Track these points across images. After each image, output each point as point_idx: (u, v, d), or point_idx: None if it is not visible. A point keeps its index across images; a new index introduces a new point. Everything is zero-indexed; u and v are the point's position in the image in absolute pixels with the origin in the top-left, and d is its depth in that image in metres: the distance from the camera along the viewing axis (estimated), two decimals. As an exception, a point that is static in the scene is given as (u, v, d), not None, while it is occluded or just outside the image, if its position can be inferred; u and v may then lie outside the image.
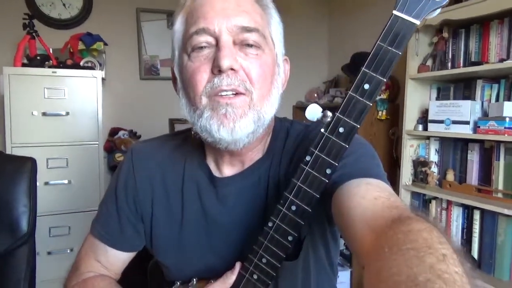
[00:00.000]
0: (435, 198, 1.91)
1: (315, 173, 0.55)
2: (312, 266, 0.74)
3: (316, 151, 0.54)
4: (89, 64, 2.15)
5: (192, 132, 0.65)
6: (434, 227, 0.42)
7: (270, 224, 0.58)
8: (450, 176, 1.84)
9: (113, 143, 2.42)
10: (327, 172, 0.54)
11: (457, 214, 1.80)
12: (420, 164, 1.97)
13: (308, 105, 0.56)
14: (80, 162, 1.92)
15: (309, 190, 0.55)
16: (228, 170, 0.72)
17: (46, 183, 1.85)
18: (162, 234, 0.75)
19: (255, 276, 0.62)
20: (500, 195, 1.63)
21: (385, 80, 0.50)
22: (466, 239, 1.75)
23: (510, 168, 1.60)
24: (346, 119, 0.52)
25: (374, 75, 0.50)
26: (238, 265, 0.65)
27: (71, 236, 1.89)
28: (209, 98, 0.62)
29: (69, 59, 2.06)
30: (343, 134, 0.53)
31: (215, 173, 0.73)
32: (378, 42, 0.50)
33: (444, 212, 1.86)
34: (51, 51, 2.00)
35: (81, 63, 2.11)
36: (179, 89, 0.68)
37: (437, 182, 1.91)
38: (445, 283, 0.33)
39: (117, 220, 0.76)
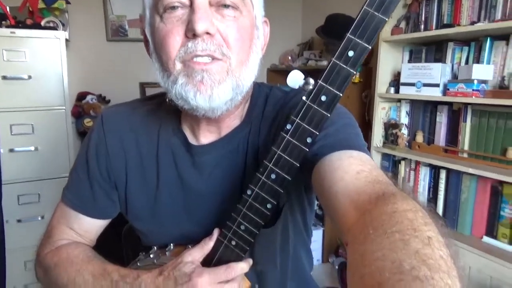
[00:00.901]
0: (404, 159, 1.98)
1: (295, 142, 0.54)
2: (290, 231, 0.75)
3: (297, 120, 0.53)
4: (51, 24, 2.01)
5: (167, 99, 0.62)
6: (418, 206, 0.42)
7: (249, 192, 0.58)
8: (419, 138, 1.90)
9: (81, 108, 2.33)
10: (307, 141, 0.54)
11: (424, 174, 1.87)
12: (391, 127, 2.01)
13: (286, 70, 0.54)
14: (47, 128, 1.84)
15: (289, 159, 0.55)
16: (205, 138, 0.70)
17: (11, 150, 1.77)
18: (137, 201, 0.74)
19: (233, 243, 0.62)
20: (465, 155, 1.71)
21: (370, 47, 0.49)
22: (432, 197, 1.84)
23: (475, 129, 1.66)
24: (329, 87, 0.51)
25: (359, 41, 0.48)
26: (216, 232, 0.65)
27: (41, 203, 1.85)
28: (183, 64, 0.59)
29: (28, 19, 1.92)
30: (325, 103, 0.52)
31: (191, 140, 0.71)
32: (364, 7, 0.47)
33: (412, 173, 1.93)
34: (8, 10, 1.85)
35: (42, 23, 1.97)
36: (152, 52, 0.64)
37: (407, 144, 1.97)
38: (429, 269, 0.32)
39: (89, 188, 0.73)
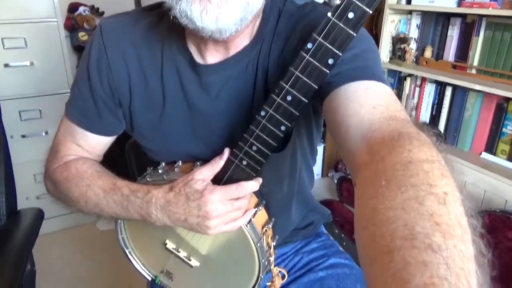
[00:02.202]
0: (410, 75, 1.93)
1: (315, 63, 0.50)
2: (298, 156, 0.75)
3: (319, 38, 0.48)
4: None
5: (170, 16, 0.57)
6: (435, 152, 0.39)
7: (262, 113, 0.56)
8: (428, 53, 1.83)
9: (74, 20, 2.21)
10: (329, 62, 0.50)
11: (429, 91, 1.84)
12: (399, 41, 1.93)
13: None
14: (40, 41, 1.77)
15: (307, 81, 0.51)
16: (212, 57, 0.66)
17: (6, 65, 1.73)
18: (142, 119, 0.72)
19: (244, 162, 0.61)
20: (473, 71, 1.66)
21: None
22: (434, 115, 1.83)
23: (487, 43, 1.59)
24: (358, 2, 0.46)
25: None
26: (227, 151, 0.64)
27: (44, 119, 1.85)
28: None
29: None
30: (352, 21, 0.47)
31: (198, 59, 0.66)
32: None
33: (417, 89, 1.90)
34: None
35: None
36: None
37: (414, 59, 1.91)
38: (443, 236, 0.31)
39: (93, 104, 0.71)
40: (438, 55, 1.81)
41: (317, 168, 2.62)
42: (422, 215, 0.32)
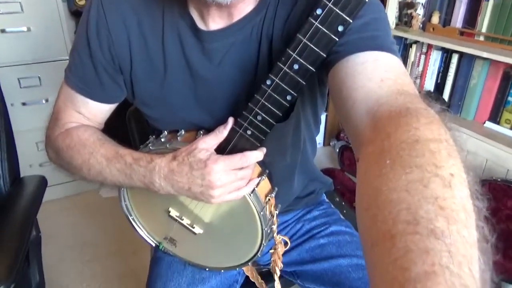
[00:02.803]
0: (416, 42, 1.88)
1: (325, 30, 0.48)
2: (302, 125, 0.75)
3: (329, 4, 0.46)
4: None
5: None
6: (442, 130, 0.38)
7: (268, 82, 0.55)
8: (435, 19, 1.78)
9: (70, -16, 2.15)
10: (338, 29, 0.48)
11: (435, 59, 1.80)
12: (406, 6, 1.87)
13: None
14: (37, 6, 1.72)
15: (315, 49, 0.50)
16: (214, 23, 0.63)
17: (3, 31, 1.69)
18: (144, 87, 0.71)
19: (248, 132, 0.61)
20: (482, 38, 1.61)
21: None
22: (439, 83, 1.80)
23: (498, 8, 1.53)
24: None
25: None
26: (231, 121, 0.63)
27: (43, 87, 1.83)
28: None
29: None
30: None
31: (200, 25, 0.64)
32: None
33: (423, 57, 1.86)
34: None
35: None
36: None
37: (421, 26, 1.85)
38: (447, 221, 0.30)
39: (93, 71, 0.69)
40: (446, 21, 1.76)
41: (319, 137, 2.62)
42: (426, 199, 0.32)
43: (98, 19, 0.66)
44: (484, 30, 1.60)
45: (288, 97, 0.55)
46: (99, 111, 0.75)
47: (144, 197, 0.77)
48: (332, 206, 0.99)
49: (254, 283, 0.87)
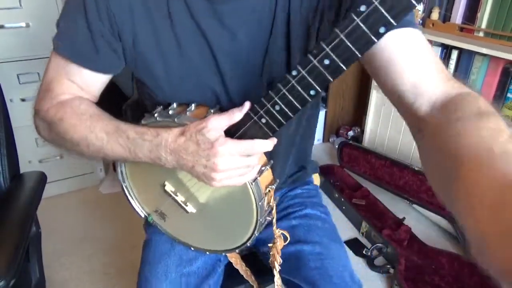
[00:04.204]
0: (416, 38, 1.87)
1: (365, 29, 0.44)
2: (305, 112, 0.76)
3: (376, 3, 0.43)
4: None
5: None
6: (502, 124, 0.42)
7: (294, 73, 0.51)
8: (435, 15, 1.78)
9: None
10: (380, 31, 0.44)
11: (435, 55, 1.80)
12: (406, 2, 1.86)
13: None
14: (35, 2, 1.71)
15: (351, 47, 0.46)
16: None
17: (1, 27, 1.68)
18: (149, 56, 0.67)
19: (263, 120, 0.57)
20: (481, 34, 1.61)
21: None
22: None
23: (498, 4, 1.53)
24: None
25: None
26: (247, 104, 0.59)
27: (43, 83, 1.83)
28: None
29: None
30: None
31: None
32: None
33: (422, 53, 1.85)
34: None
35: None
36: None
37: (421, 22, 1.85)
38: None
39: (88, 37, 0.64)
40: (446, 16, 1.75)
41: (318, 133, 2.62)
42: (498, 143, 0.37)
43: None
44: (483, 26, 1.60)
45: (312, 92, 0.52)
46: (94, 81, 0.70)
47: (141, 167, 0.73)
48: (319, 190, 0.99)
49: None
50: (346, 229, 1.89)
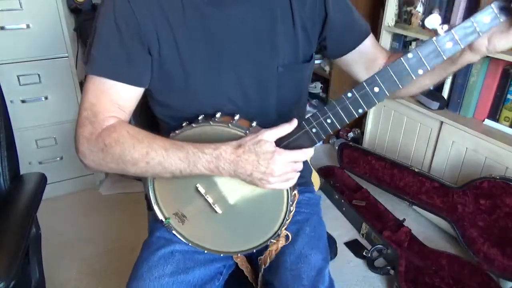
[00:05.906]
0: (416, 39, 1.88)
1: (408, 70, 0.60)
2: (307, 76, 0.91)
3: (420, 55, 0.59)
4: None
5: None
6: None
7: (349, 94, 0.63)
8: (435, 16, 1.77)
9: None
10: (418, 72, 0.60)
11: (434, 56, 1.80)
12: (405, 4, 1.87)
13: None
14: (36, 3, 1.72)
15: (396, 80, 0.61)
16: None
17: (2, 28, 1.69)
18: (171, 67, 0.75)
19: (314, 130, 0.68)
20: (481, 35, 1.61)
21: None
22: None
23: (497, 6, 1.53)
24: (456, 33, 0.58)
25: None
26: (295, 121, 0.69)
27: (43, 84, 1.82)
28: None
29: None
30: (448, 50, 0.59)
31: None
32: None
33: (422, 54, 1.85)
34: None
35: None
36: None
37: (420, 23, 1.85)
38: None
39: (122, 50, 0.71)
40: (446, 18, 1.75)
41: (319, 135, 2.61)
42: None
43: (123, 8, 0.70)
44: (483, 27, 1.59)
45: (360, 110, 0.64)
46: (129, 96, 0.75)
47: None
48: (320, 199, 1.00)
49: (239, 276, 0.88)
50: (346, 231, 1.89)
